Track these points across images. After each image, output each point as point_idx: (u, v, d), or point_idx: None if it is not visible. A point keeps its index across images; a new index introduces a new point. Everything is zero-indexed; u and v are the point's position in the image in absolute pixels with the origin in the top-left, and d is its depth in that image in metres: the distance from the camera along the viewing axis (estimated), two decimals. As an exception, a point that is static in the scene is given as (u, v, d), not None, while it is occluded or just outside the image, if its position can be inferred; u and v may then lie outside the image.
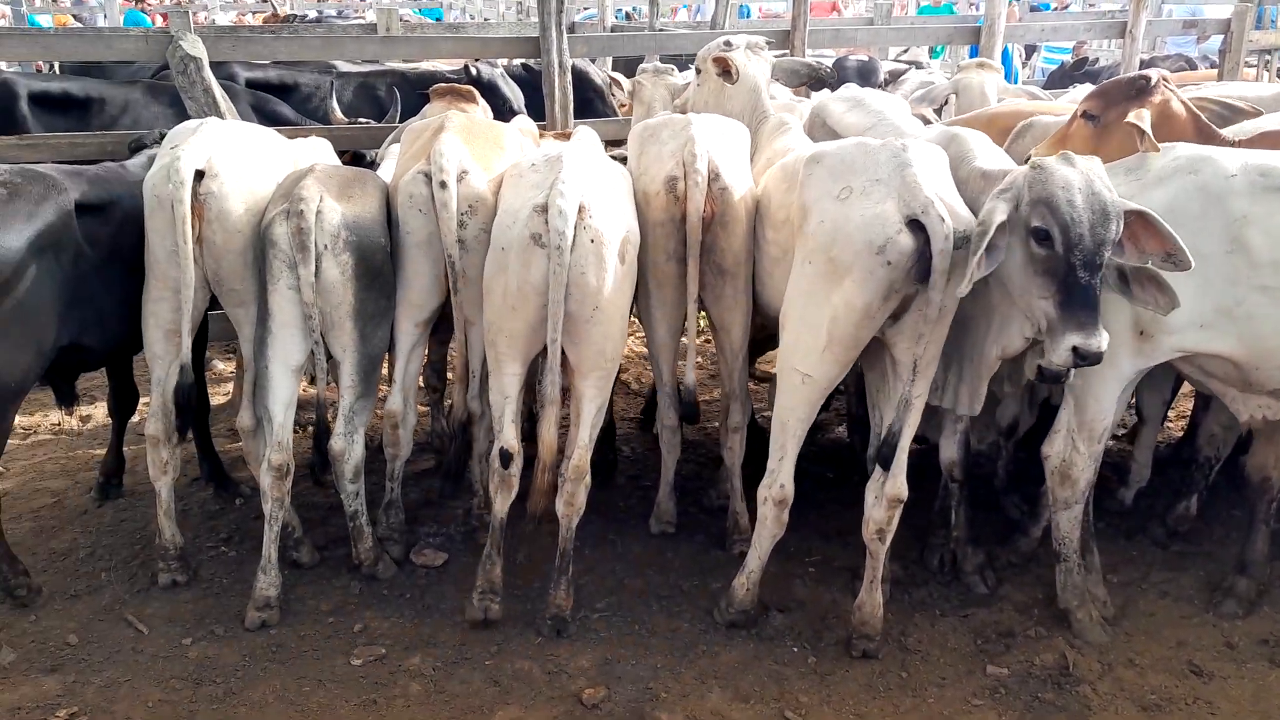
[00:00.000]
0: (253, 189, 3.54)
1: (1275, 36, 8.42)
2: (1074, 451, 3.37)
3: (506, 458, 3.39)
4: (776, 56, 5.84)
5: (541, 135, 4.51)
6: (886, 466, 3.14)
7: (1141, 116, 3.36)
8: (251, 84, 6.42)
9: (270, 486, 3.49)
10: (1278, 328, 2.99)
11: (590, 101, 7.03)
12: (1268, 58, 8.19)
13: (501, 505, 3.47)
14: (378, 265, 3.49)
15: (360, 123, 5.72)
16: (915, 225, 2.78)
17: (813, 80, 4.35)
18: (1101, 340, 2.71)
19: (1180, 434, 4.92)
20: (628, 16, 16.04)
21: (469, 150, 3.58)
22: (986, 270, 2.80)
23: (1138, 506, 4.32)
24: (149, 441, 3.68)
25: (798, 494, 3.37)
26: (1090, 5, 16.21)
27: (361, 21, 12.76)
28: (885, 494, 3.22)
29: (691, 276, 3.43)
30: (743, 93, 4.11)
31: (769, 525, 3.37)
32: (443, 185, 3.43)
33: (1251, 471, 3.59)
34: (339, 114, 5.76)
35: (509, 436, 3.38)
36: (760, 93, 4.12)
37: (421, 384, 4.85)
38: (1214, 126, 3.76)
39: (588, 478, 3.47)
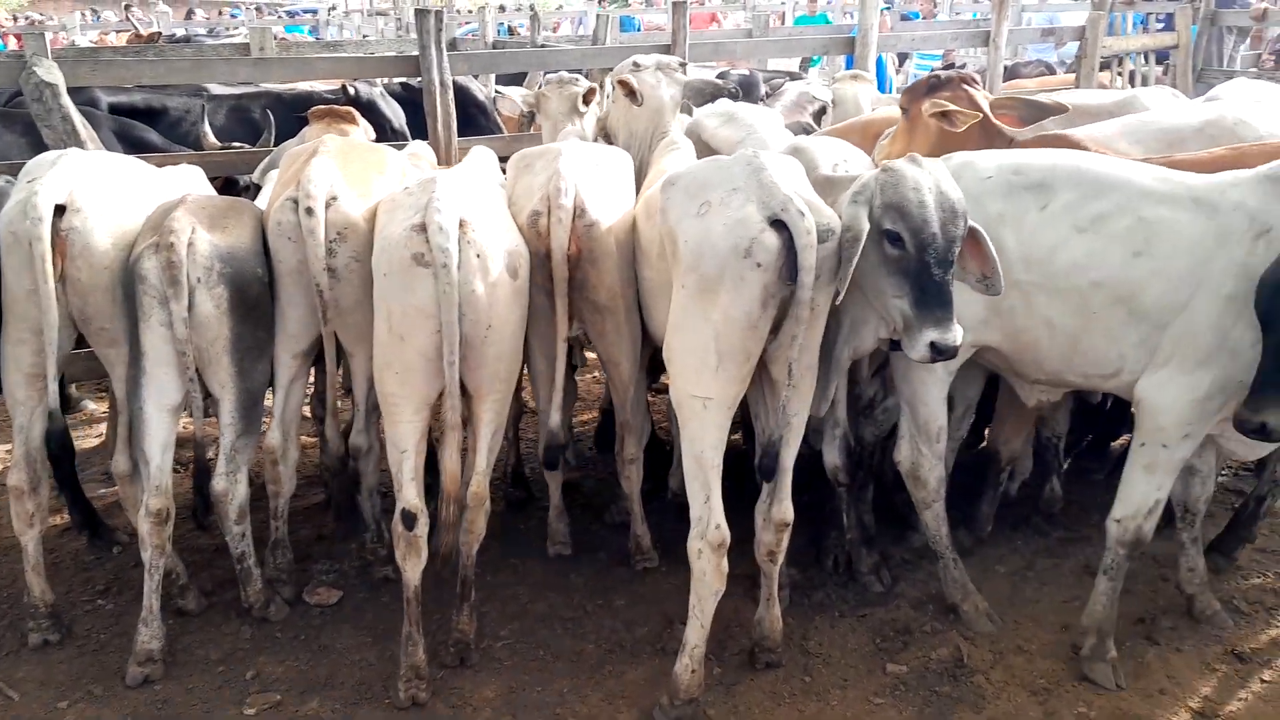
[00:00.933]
0: (119, 223, 3.38)
1: (1125, 42, 8.91)
2: (919, 454, 3.54)
3: (409, 519, 3.17)
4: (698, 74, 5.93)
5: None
6: (769, 478, 3.13)
7: (937, 103, 3.81)
8: (115, 109, 6.13)
9: (149, 533, 3.33)
10: (1030, 321, 3.17)
11: (474, 118, 6.95)
12: (1119, 63, 8.65)
13: (413, 572, 3.22)
14: (254, 297, 3.37)
15: (234, 147, 5.51)
16: (778, 224, 2.80)
17: (716, 98, 4.39)
18: (957, 334, 2.80)
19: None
20: (511, 31, 15.97)
21: (342, 175, 3.48)
22: (853, 267, 2.84)
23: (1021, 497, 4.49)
24: (12, 493, 3.46)
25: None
26: (957, 14, 16.86)
27: (233, 41, 12.38)
28: (772, 518, 3.22)
29: (560, 315, 3.33)
30: (647, 113, 4.10)
31: (709, 580, 3.05)
32: (309, 212, 3.31)
33: (992, 443, 4.11)
34: (212, 138, 5.55)
35: (410, 495, 3.17)
36: (664, 113, 4.10)
37: (309, 414, 4.72)
38: (1000, 125, 4.07)
39: (488, 504, 3.39)
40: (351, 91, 6.13)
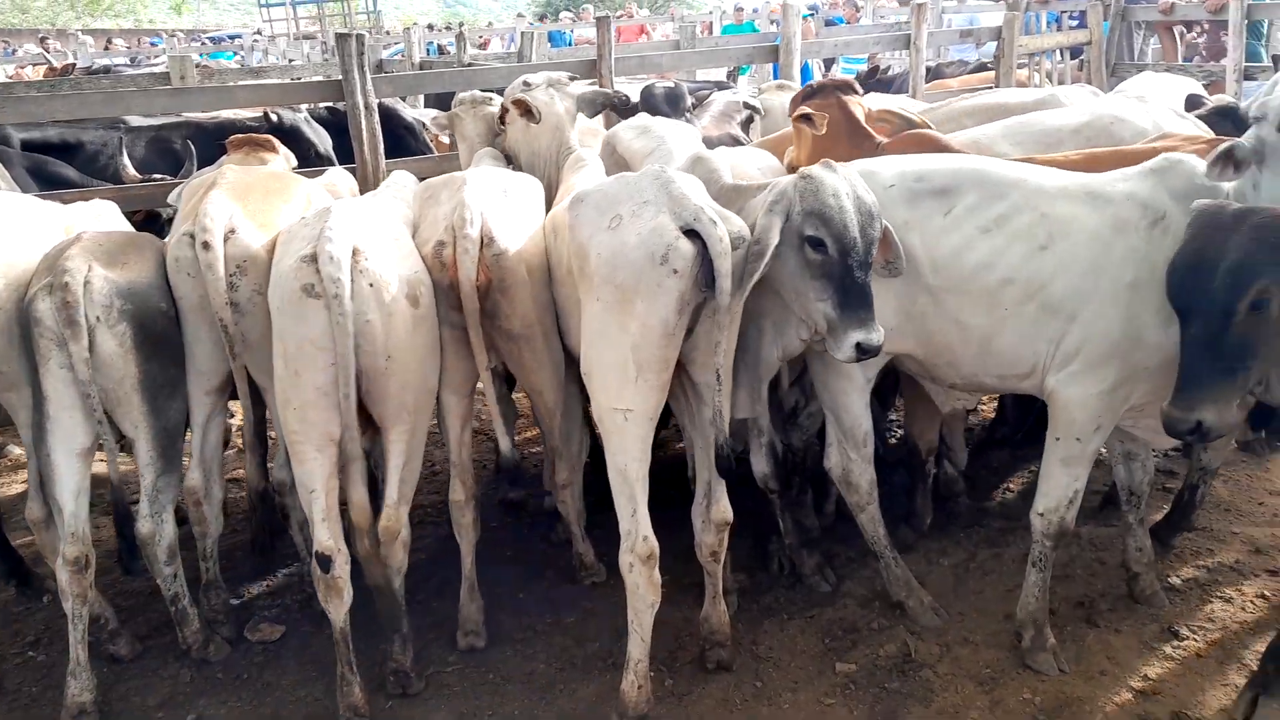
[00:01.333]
0: (11, 263, 3.28)
1: (1041, 41, 9.14)
2: (848, 460, 3.59)
3: (325, 561, 3.08)
4: (589, 86, 5.94)
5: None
6: (730, 476, 3.13)
7: (800, 108, 4.06)
8: (29, 146, 5.97)
9: (69, 582, 3.20)
10: (942, 324, 3.23)
11: (402, 139, 6.90)
12: (1036, 59, 8.87)
13: (337, 613, 3.15)
14: (160, 333, 3.27)
15: (155, 179, 5.41)
16: (691, 234, 2.83)
17: (609, 108, 4.42)
18: (880, 333, 2.89)
19: (993, 415, 5.23)
20: (440, 51, 15.90)
21: (241, 206, 3.39)
22: (755, 278, 2.89)
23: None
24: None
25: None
26: (881, 19, 17.17)
27: (154, 70, 12.13)
28: (712, 519, 3.24)
29: (476, 347, 3.24)
30: (547, 130, 4.13)
31: (643, 593, 3.04)
32: (206, 246, 3.21)
33: (910, 438, 4.17)
34: (131, 171, 5.43)
35: (324, 537, 3.07)
36: (565, 129, 4.14)
37: (241, 446, 4.62)
38: (869, 129, 4.20)
39: (403, 535, 3.30)
40: (274, 118, 6.04)
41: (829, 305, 2.90)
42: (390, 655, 3.39)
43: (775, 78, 7.89)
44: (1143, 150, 3.68)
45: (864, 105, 4.31)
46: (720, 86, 7.69)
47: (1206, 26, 9.96)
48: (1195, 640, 3.44)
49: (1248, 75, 7.94)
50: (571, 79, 4.35)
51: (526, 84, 4.22)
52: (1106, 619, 3.60)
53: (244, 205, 3.42)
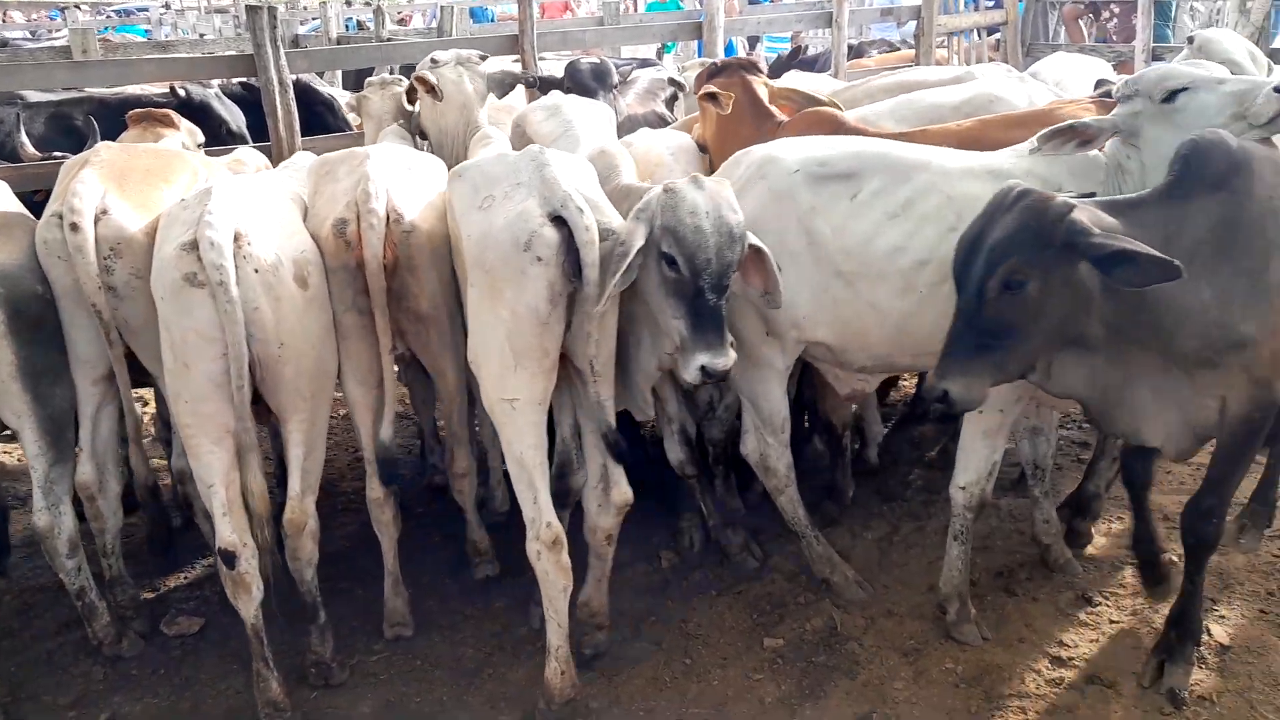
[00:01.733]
0: None
1: (959, 20, 9.28)
2: (765, 445, 3.58)
3: (229, 558, 2.98)
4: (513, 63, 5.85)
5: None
6: (621, 460, 3.13)
7: (706, 87, 4.01)
8: (-84, 122, 5.66)
9: None
10: (858, 311, 3.23)
11: (320, 116, 6.69)
12: (955, 38, 9.01)
13: (247, 609, 3.05)
14: (36, 316, 3.11)
15: (55, 157, 5.15)
16: (559, 221, 2.80)
17: (515, 86, 4.38)
18: (728, 359, 2.79)
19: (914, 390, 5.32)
20: (359, 26, 15.49)
21: (116, 185, 3.22)
22: (624, 284, 2.83)
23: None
24: None
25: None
26: (803, -4, 17.25)
27: (54, 44, 11.60)
28: (611, 501, 3.19)
29: (381, 329, 3.13)
30: (454, 109, 4.06)
31: (554, 578, 3.02)
32: (74, 228, 3.04)
33: (823, 414, 4.20)
34: (30, 149, 5.17)
35: (225, 532, 2.97)
36: (472, 107, 4.08)
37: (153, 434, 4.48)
38: (772, 109, 4.18)
39: (310, 527, 3.19)
40: (182, 93, 5.80)
41: (682, 324, 2.82)
42: (309, 647, 3.31)
43: (699, 55, 7.87)
44: (1029, 114, 3.79)
45: (768, 84, 4.29)
46: (645, 64, 7.63)
47: (1117, 10, 10.21)
48: (1108, 606, 3.56)
49: (1156, 56, 8.16)
50: (482, 57, 4.26)
51: (434, 61, 4.14)
52: (1024, 588, 3.70)
53: (119, 184, 3.25)
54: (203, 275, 2.79)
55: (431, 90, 4.03)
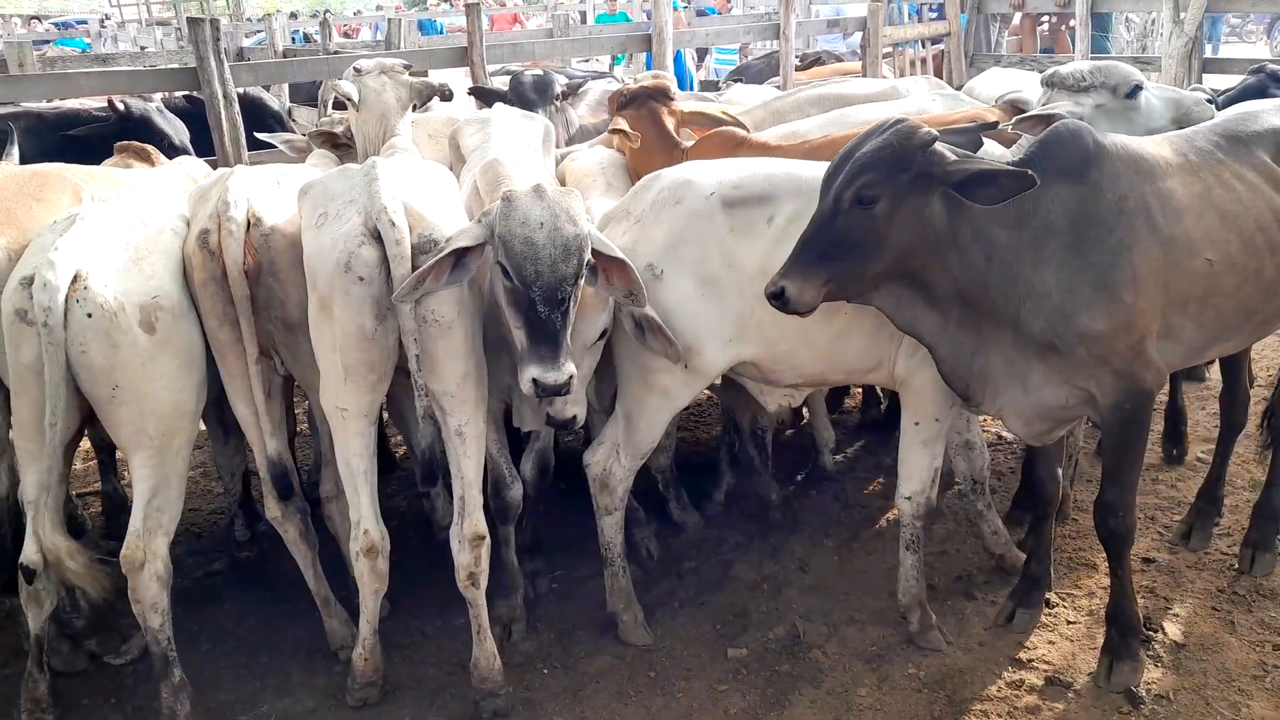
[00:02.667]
0: None
1: (904, 31, 9.43)
2: (615, 463, 3.43)
3: (29, 573, 2.97)
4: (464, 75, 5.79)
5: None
6: (433, 481, 3.12)
7: (618, 121, 3.96)
8: None
9: None
10: (783, 333, 3.20)
11: (270, 129, 6.62)
12: (901, 49, 9.15)
13: (34, 622, 3.07)
14: None
15: (-12, 173, 5.02)
16: (380, 237, 2.80)
17: (433, 97, 4.35)
18: (560, 375, 2.74)
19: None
20: (307, 39, 15.32)
21: None
22: (444, 286, 2.79)
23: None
24: None
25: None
26: (751, 9, 17.42)
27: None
28: (464, 534, 3.07)
29: (247, 336, 3.06)
30: (373, 118, 4.05)
31: (368, 580, 3.10)
32: None
33: (736, 419, 4.20)
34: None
35: (30, 551, 2.95)
36: (390, 116, 4.04)
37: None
38: (677, 138, 4.15)
39: (156, 569, 3.03)
40: (121, 107, 5.68)
41: (520, 335, 2.81)
42: (162, 708, 3.13)
43: (649, 67, 7.89)
44: (937, 118, 3.87)
45: (676, 111, 4.21)
46: (599, 75, 7.64)
47: (1054, 20, 10.46)
48: (1064, 607, 3.60)
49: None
50: (406, 67, 4.24)
51: (357, 70, 4.11)
52: (983, 591, 3.74)
53: None
54: (32, 314, 2.78)
55: (349, 99, 4.04)
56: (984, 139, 3.14)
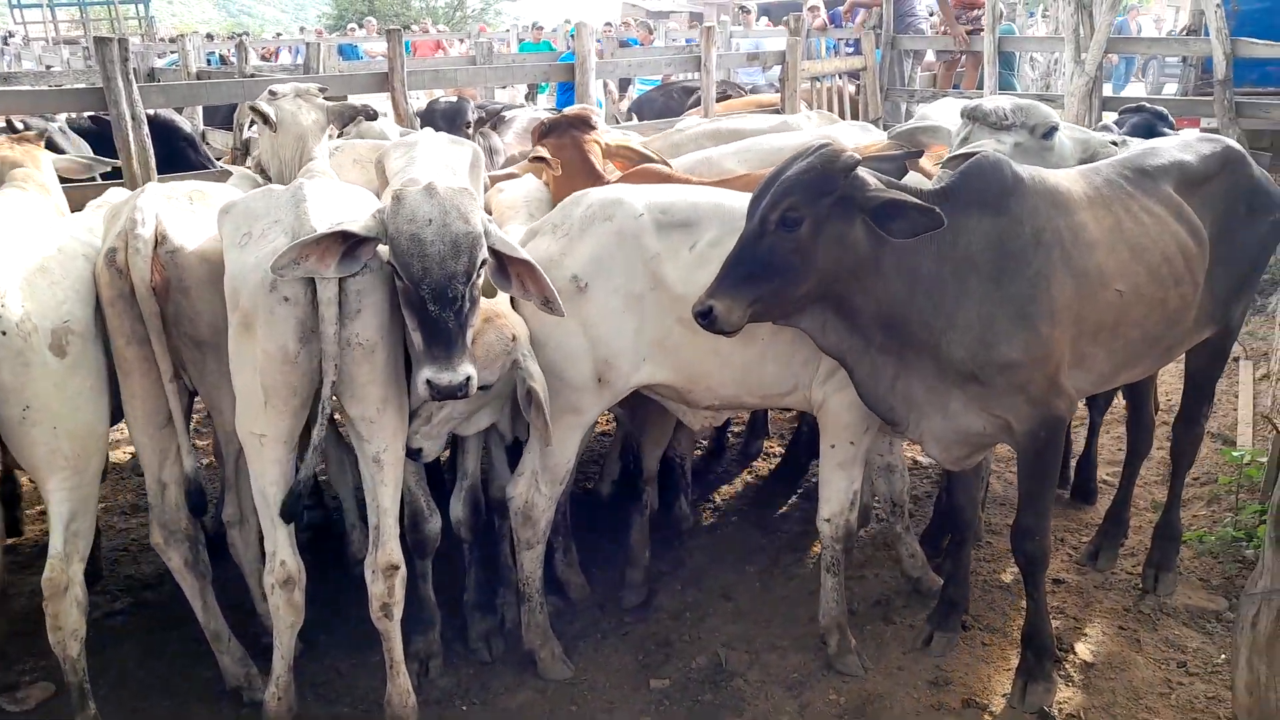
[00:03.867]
0: None
1: (822, 65, 9.65)
2: (536, 493, 3.38)
3: None
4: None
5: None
6: (291, 518, 2.99)
7: (535, 149, 3.83)
8: None
9: None
10: (701, 356, 3.25)
11: (182, 152, 6.44)
12: (819, 82, 9.36)
13: None
14: None
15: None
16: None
17: (355, 119, 4.30)
18: (455, 376, 2.67)
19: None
20: (223, 61, 15.01)
21: None
22: (332, 274, 2.71)
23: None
24: None
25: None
26: (673, 41, 17.65)
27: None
28: (378, 565, 3.01)
29: (159, 354, 3.03)
30: (289, 140, 4.00)
31: (283, 614, 3.01)
32: None
33: (645, 456, 4.03)
34: None
35: None
36: (307, 139, 3.99)
37: None
38: (601, 170, 4.09)
39: (75, 594, 2.95)
40: (20, 126, 5.48)
41: (418, 337, 2.75)
42: None
43: (560, 99, 7.92)
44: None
45: (600, 141, 4.19)
46: (514, 107, 7.64)
47: (965, 57, 10.83)
48: (981, 630, 3.67)
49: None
50: (322, 90, 4.21)
51: (272, 93, 4.08)
52: (901, 615, 3.78)
53: None
54: None
55: (265, 120, 3.97)
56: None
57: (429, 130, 4.27)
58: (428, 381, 2.68)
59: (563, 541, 3.95)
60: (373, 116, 4.45)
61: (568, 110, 4.29)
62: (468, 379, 2.69)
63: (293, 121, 3.99)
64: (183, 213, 3.22)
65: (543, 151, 4.03)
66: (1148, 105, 4.68)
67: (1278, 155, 7.99)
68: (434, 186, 2.76)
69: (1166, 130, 4.34)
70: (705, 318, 2.75)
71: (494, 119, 5.57)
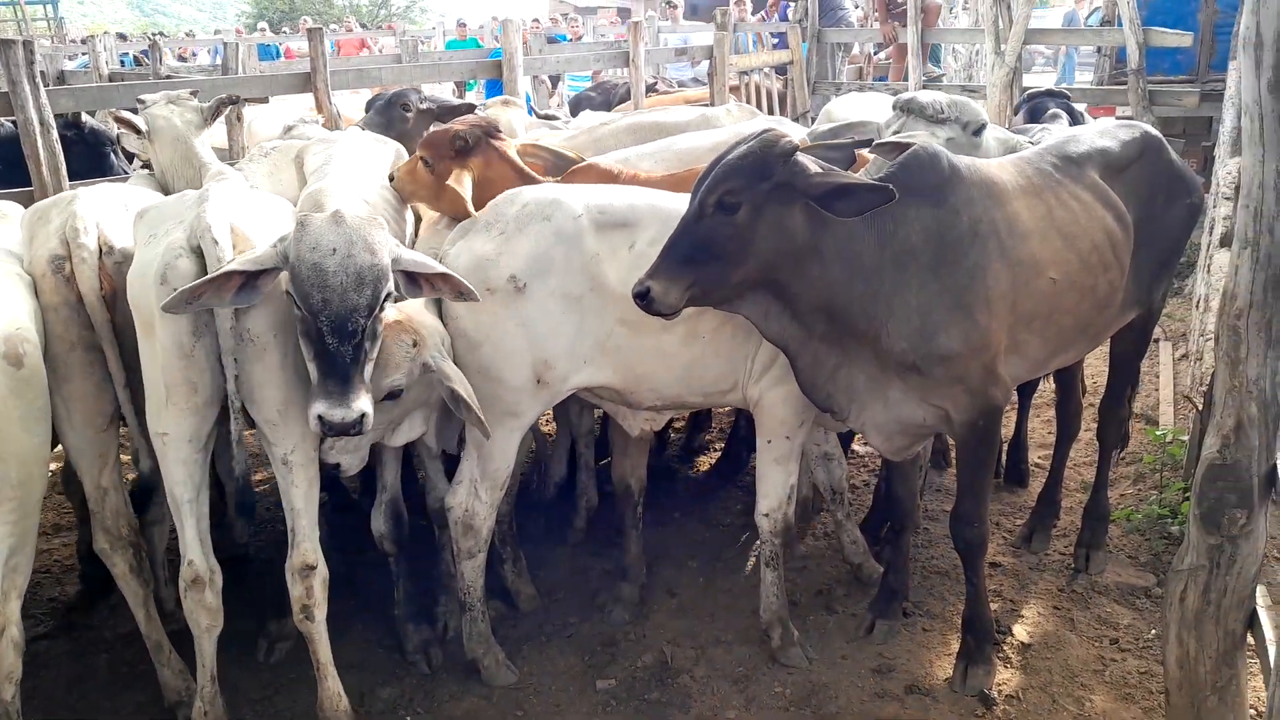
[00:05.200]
0: None
1: (749, 59, 9.71)
2: (476, 501, 3.30)
3: None
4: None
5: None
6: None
7: (462, 180, 3.48)
8: None
9: None
10: (643, 356, 3.26)
11: (105, 157, 6.24)
12: (747, 77, 9.41)
13: None
14: None
15: None
16: (200, 253, 2.77)
17: (223, 110, 4.31)
18: (349, 413, 2.60)
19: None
20: (138, 62, 14.54)
21: None
22: (228, 304, 2.67)
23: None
24: None
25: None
26: (601, 36, 17.62)
27: None
28: (294, 566, 2.96)
29: (112, 362, 3.02)
30: (167, 144, 4.04)
31: (196, 616, 2.94)
32: None
33: (616, 482, 3.88)
34: None
35: None
36: (188, 143, 4.04)
37: None
38: (534, 174, 3.85)
39: (10, 634, 2.80)
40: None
41: (313, 368, 2.68)
42: None
43: (490, 94, 7.82)
44: None
45: (510, 143, 3.91)
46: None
47: (892, 51, 10.98)
48: (921, 616, 3.72)
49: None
50: (193, 93, 4.26)
51: (141, 101, 4.14)
52: (843, 604, 3.82)
53: None
54: None
55: (134, 128, 4.04)
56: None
57: (354, 129, 4.20)
58: (319, 417, 2.62)
59: (510, 551, 3.89)
60: (237, 100, 4.51)
61: (470, 121, 3.84)
62: (362, 416, 2.62)
63: (167, 126, 4.07)
64: (122, 220, 3.21)
65: (464, 179, 3.59)
66: (1056, 91, 4.82)
67: (1190, 141, 8.27)
68: (341, 214, 2.69)
69: (1070, 115, 4.48)
70: (643, 299, 2.74)
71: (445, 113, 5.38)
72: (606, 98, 8.39)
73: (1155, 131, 3.68)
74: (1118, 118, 8.10)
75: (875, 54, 11.40)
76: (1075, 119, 4.43)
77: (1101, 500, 4.02)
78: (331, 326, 2.60)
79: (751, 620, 3.69)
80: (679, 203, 3.03)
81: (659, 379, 3.30)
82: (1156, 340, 5.91)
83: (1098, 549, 3.98)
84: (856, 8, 11.53)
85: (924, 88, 8.99)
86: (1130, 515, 4.27)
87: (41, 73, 5.45)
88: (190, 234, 2.76)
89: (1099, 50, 9.74)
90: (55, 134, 5.17)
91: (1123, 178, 3.44)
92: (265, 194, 3.27)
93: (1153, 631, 3.53)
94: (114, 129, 6.76)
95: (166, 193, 3.96)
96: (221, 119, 6.11)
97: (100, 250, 3.06)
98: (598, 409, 4.16)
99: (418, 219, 3.90)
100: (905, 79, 9.76)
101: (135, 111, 4.23)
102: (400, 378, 2.95)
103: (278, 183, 3.95)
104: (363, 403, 2.63)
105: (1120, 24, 8.29)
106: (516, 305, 3.11)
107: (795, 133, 4.45)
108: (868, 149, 3.35)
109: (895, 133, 3.50)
